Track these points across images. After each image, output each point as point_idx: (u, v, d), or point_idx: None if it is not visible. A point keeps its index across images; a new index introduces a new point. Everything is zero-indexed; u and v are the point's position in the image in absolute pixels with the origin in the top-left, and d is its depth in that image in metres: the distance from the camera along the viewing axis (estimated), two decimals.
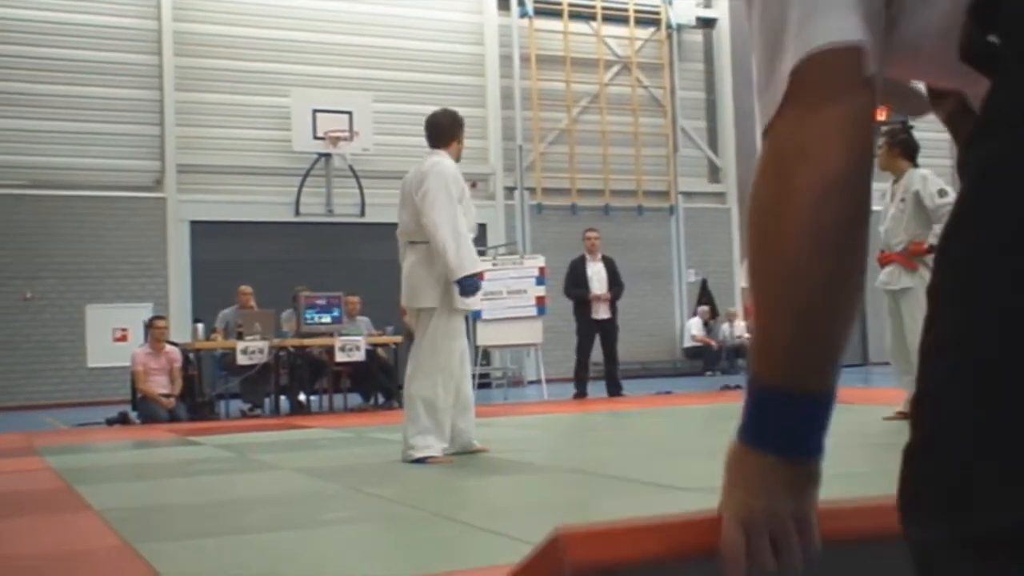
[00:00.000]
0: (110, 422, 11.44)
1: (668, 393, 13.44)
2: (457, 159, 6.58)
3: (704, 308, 19.56)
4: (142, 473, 6.84)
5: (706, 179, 20.70)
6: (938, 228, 7.60)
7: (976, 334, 0.84)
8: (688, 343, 19.43)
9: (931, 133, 22.66)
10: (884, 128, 8.99)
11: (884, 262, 7.89)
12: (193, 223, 16.85)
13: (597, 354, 12.91)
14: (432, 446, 6.21)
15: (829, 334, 1.00)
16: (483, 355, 15.09)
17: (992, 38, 0.88)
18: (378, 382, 12.75)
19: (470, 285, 6.35)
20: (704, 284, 19.84)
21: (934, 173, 8.11)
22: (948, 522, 0.85)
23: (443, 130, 6.58)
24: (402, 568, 3.36)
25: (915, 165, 7.90)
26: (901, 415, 7.80)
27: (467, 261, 6.30)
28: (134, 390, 11.93)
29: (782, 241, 0.97)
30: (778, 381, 1.03)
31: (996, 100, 0.86)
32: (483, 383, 15.67)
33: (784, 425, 1.05)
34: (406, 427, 6.34)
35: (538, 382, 14.04)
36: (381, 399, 12.73)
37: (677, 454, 6.71)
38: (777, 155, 0.98)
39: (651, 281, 19.37)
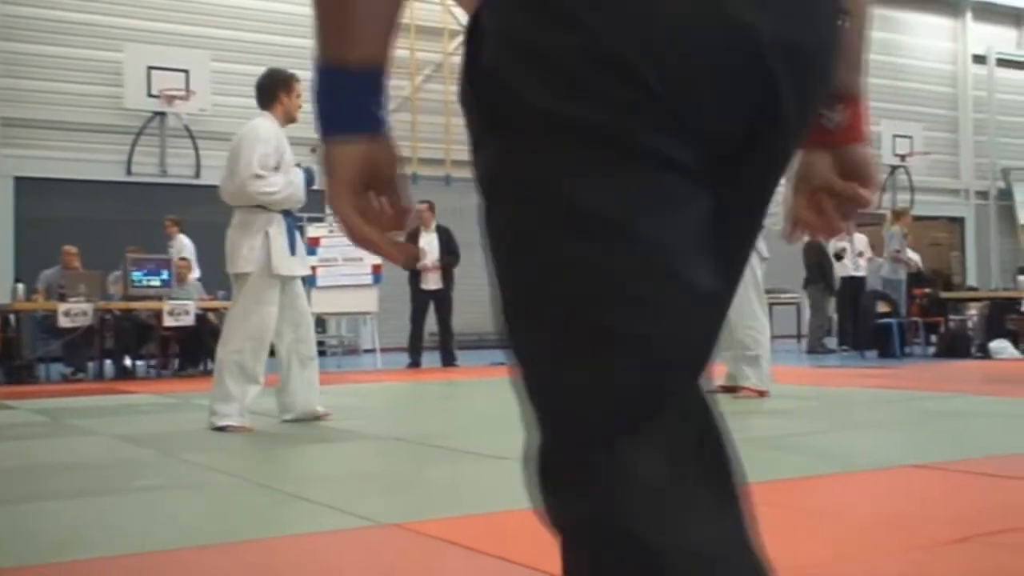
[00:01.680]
0: None
1: (502, 364, 13.51)
2: (287, 118, 6.46)
3: None
4: None
5: None
6: None
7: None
8: None
9: None
10: None
11: None
12: (17, 179, 16.14)
13: (433, 324, 12.92)
14: (231, 415, 6.13)
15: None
16: (318, 322, 14.92)
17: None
18: (207, 348, 12.46)
19: (310, 180, 6.44)
20: None
21: None
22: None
23: (263, 91, 6.49)
24: (206, 535, 3.30)
25: None
26: (721, 388, 8.04)
27: (295, 187, 6.32)
28: None
29: None
30: (327, 58, 1.10)
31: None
32: (318, 351, 15.49)
33: (330, 101, 1.11)
34: (212, 392, 6.27)
35: (373, 351, 13.98)
36: (210, 365, 12.46)
37: (503, 424, 6.75)
38: None
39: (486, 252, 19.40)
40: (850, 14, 1.21)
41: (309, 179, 6.46)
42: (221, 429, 6.07)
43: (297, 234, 6.50)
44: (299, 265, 6.48)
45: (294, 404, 6.50)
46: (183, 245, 13.73)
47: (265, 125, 6.34)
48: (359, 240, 1.13)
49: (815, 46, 1.10)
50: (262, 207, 6.27)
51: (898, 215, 14.84)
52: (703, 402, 1.09)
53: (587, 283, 1.01)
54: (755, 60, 1.04)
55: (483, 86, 1.06)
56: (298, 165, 6.54)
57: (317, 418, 6.57)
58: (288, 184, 6.27)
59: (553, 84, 1.01)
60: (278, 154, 6.28)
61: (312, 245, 13.39)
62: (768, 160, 1.14)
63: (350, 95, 1.11)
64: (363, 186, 1.12)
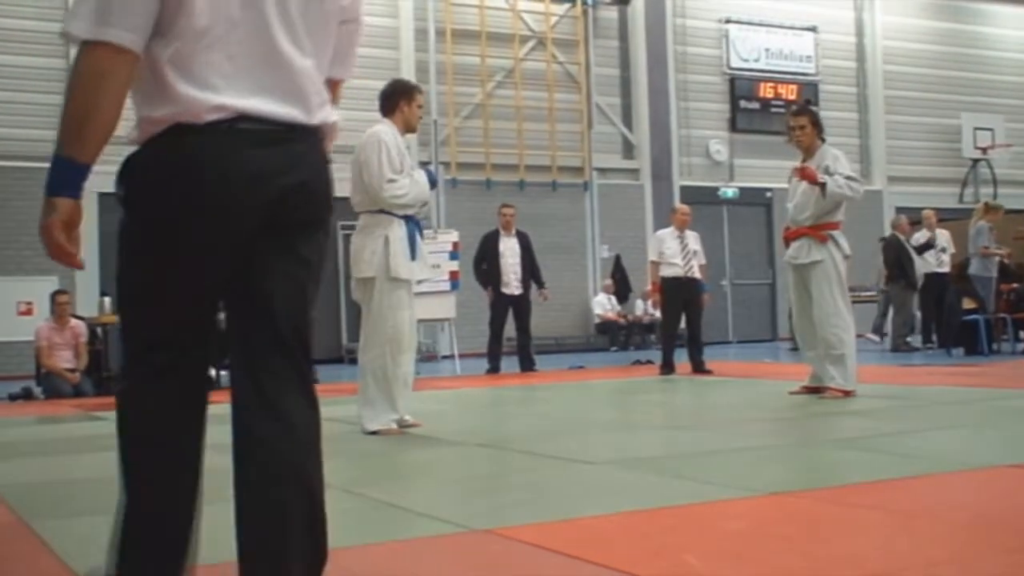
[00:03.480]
0: (13, 398, 11.19)
1: (580, 368, 13.51)
2: (406, 127, 6.58)
3: (608, 283, 19.67)
4: (44, 449, 6.69)
5: (620, 155, 20.78)
6: (839, 179, 7.73)
7: None
8: (598, 319, 19.60)
9: (836, 113, 22.90)
10: (798, 108, 9.10)
11: (792, 237, 7.99)
12: (101, 195, 16.45)
13: (511, 329, 12.93)
14: (379, 418, 6.26)
15: (90, 129, 2.14)
16: None
17: None
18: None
19: (434, 180, 6.64)
20: (618, 260, 19.95)
21: (842, 152, 8.25)
22: None
23: (386, 98, 6.61)
24: None
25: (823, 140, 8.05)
26: (806, 389, 7.96)
27: (421, 187, 6.44)
28: (38, 365, 11.68)
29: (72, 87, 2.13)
30: (62, 152, 2.12)
31: None
32: None
33: (60, 177, 2.15)
34: (358, 399, 6.40)
35: (451, 357, 14.03)
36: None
37: (585, 428, 6.76)
38: (82, 55, 2.12)
39: (565, 257, 19.42)
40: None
41: (432, 180, 6.56)
42: (373, 433, 6.21)
43: (419, 238, 6.54)
44: (419, 269, 6.54)
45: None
46: None
47: (387, 131, 6.45)
48: (59, 252, 2.17)
49: (311, 182, 2.30)
50: (384, 211, 6.36)
51: (989, 210, 14.38)
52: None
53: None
54: (271, 191, 2.22)
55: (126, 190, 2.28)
56: (423, 164, 6.67)
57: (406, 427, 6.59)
58: (414, 183, 6.37)
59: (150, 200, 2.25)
60: (401, 158, 6.39)
61: None
62: (293, 245, 2.29)
63: (73, 177, 2.14)
64: (66, 224, 2.15)
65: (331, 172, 2.40)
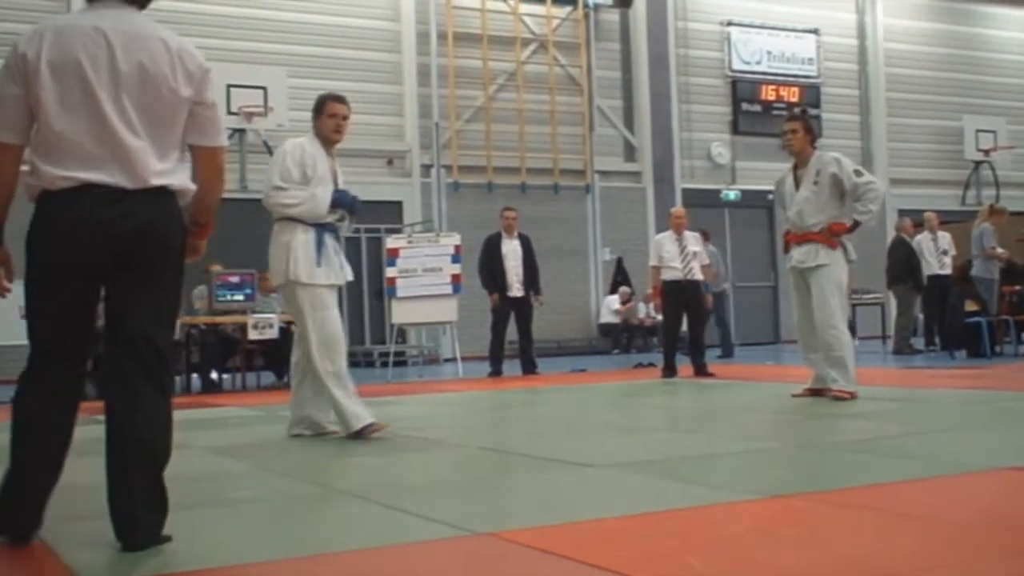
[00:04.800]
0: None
1: (582, 371, 13.50)
2: (323, 139, 6.48)
3: (625, 289, 19.69)
4: None
5: (622, 158, 20.79)
6: (860, 205, 7.73)
7: None
8: (606, 318, 19.59)
9: (838, 115, 22.86)
10: (791, 113, 9.08)
11: (798, 242, 7.96)
12: None
13: (513, 332, 12.93)
14: (354, 418, 6.19)
15: None
16: (398, 333, 15.03)
17: None
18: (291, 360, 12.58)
19: (346, 203, 6.43)
20: (619, 263, 19.96)
21: (843, 154, 8.24)
22: None
23: None
24: (304, 546, 3.33)
25: (815, 148, 8.04)
26: (809, 392, 7.95)
27: (316, 204, 6.32)
28: None
29: None
30: None
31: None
32: (399, 361, 15.63)
33: None
34: (332, 406, 6.36)
35: (453, 360, 14.03)
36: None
37: (587, 431, 6.75)
38: None
39: (567, 259, 19.43)
40: (200, 186, 3.51)
41: (343, 203, 6.41)
42: (356, 434, 6.16)
43: (333, 245, 6.41)
44: (326, 275, 6.41)
45: (308, 422, 6.57)
46: None
47: (295, 142, 6.47)
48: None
49: (152, 229, 3.30)
50: (290, 219, 6.33)
51: (993, 212, 14.34)
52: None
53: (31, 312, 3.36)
54: (112, 234, 3.25)
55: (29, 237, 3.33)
56: (354, 197, 6.56)
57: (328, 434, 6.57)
58: (310, 198, 6.28)
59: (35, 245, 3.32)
60: (303, 168, 6.31)
61: (391, 256, 13.49)
62: (138, 272, 3.32)
63: None
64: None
65: (170, 221, 3.37)
